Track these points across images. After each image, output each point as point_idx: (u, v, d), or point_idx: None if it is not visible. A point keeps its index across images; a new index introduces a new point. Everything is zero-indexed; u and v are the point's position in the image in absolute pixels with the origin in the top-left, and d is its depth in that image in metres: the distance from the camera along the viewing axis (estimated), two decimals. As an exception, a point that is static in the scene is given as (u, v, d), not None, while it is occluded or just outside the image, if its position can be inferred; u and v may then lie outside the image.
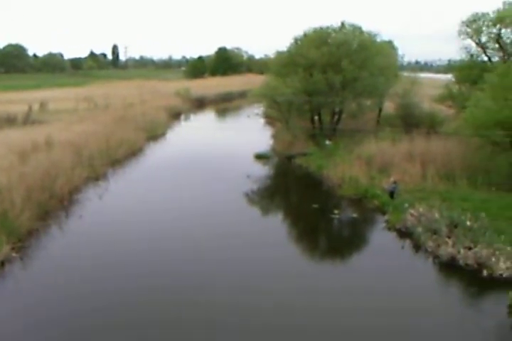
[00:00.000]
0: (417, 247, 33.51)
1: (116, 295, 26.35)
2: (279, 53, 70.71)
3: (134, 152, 61.90)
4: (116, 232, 35.34)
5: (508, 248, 30.42)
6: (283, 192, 50.96)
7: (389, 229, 37.28)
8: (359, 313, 25.09)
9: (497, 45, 63.01)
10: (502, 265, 29.02)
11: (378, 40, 70.94)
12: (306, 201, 45.83)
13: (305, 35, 67.69)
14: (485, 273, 29.02)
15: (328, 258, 33.92)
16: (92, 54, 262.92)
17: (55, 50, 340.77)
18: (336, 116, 67.62)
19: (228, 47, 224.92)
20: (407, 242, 34.64)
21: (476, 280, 28.85)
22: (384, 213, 40.01)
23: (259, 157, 61.28)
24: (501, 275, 28.66)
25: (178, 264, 30.35)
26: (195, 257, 31.30)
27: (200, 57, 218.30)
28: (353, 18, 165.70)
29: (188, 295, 26.42)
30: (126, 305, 25.29)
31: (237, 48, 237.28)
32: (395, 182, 42.39)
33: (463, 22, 63.77)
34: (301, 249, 35.31)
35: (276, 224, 38.87)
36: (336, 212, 40.60)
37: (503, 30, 62.14)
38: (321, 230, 39.52)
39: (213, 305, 25.36)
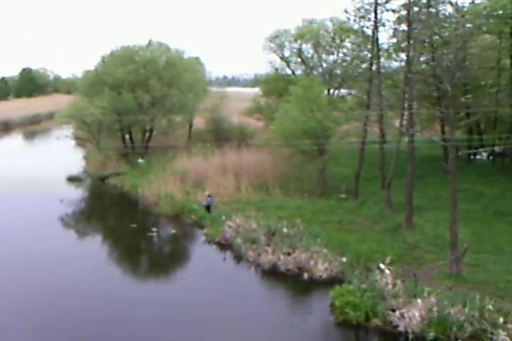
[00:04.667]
0: (239, 258, 33.62)
1: None
2: (87, 73, 68.90)
3: None
4: None
5: (325, 250, 31.45)
6: (99, 214, 49.04)
7: (209, 242, 37.14)
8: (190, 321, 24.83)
9: (299, 59, 66.42)
10: (320, 267, 29.90)
11: (185, 56, 71.59)
12: (123, 221, 44.63)
13: (112, 53, 66.58)
14: (306, 276, 29.83)
15: (151, 276, 32.88)
16: None
17: None
18: (147, 134, 67.00)
19: (33, 67, 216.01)
20: (229, 254, 34.66)
21: (299, 284, 29.50)
22: (202, 227, 39.81)
23: (72, 179, 58.83)
24: (321, 276, 29.53)
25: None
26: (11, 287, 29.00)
27: (2, 78, 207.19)
28: (160, 36, 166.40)
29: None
30: None
31: (43, 68, 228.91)
32: (210, 196, 42.59)
33: (267, 38, 66.70)
34: (123, 270, 33.85)
35: (95, 248, 37.05)
36: (154, 230, 39.83)
37: (303, 46, 65.77)
38: (141, 250, 38.43)
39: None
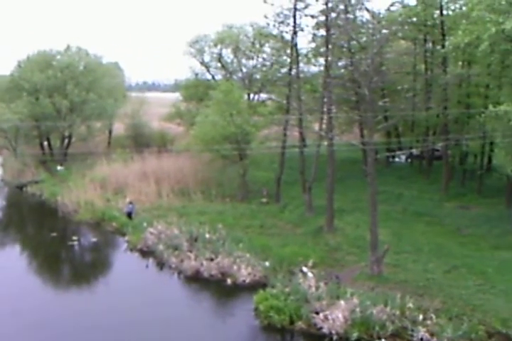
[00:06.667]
0: (162, 264, 33.20)
1: None
2: (2, 78, 66.88)
3: None
4: None
5: (247, 255, 31.43)
6: (18, 224, 47.17)
7: (131, 249, 36.53)
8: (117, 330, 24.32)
9: (219, 64, 66.50)
10: (243, 272, 29.86)
11: (104, 61, 70.62)
12: (43, 230, 43.33)
13: (28, 58, 64.95)
14: (229, 281, 29.69)
15: (73, 287, 31.74)
16: None
17: None
18: (66, 141, 65.57)
19: None
20: (151, 261, 34.13)
21: (222, 289, 29.35)
22: (124, 234, 39.15)
23: (-13, 189, 57.05)
24: (244, 281, 29.46)
25: None
26: None
27: None
28: (78, 41, 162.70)
29: None
30: None
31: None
32: (131, 203, 41.95)
33: (187, 42, 66.49)
34: (43, 281, 32.64)
35: (13, 259, 35.64)
36: (74, 238, 38.85)
37: (223, 50, 65.90)
38: (62, 259, 37.39)
39: None
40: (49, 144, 66.23)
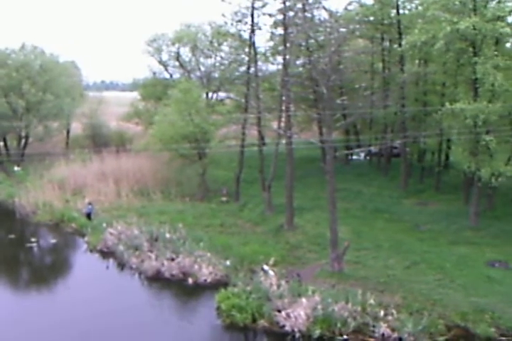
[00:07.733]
0: (122, 265, 32.87)
1: None
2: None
3: None
4: None
5: (208, 254, 31.38)
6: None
7: (91, 250, 36.07)
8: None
9: (177, 63, 66.26)
10: (205, 271, 29.81)
11: (61, 60, 69.72)
12: (0, 232, 42.60)
13: (-18, 56, 63.66)
14: (190, 281, 29.60)
15: (32, 290, 31.02)
16: None
17: None
18: (23, 141, 64.58)
19: None
20: (112, 261, 33.75)
21: (184, 289, 29.24)
22: (84, 235, 38.60)
23: None
24: (205, 280, 29.41)
25: None
26: None
27: None
28: (34, 40, 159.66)
29: None
30: None
31: None
32: (90, 203, 41.54)
33: (145, 41, 66.20)
34: (2, 283, 32.02)
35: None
36: (33, 240, 38.20)
37: (181, 49, 65.70)
38: (20, 261, 36.59)
39: None
40: (5, 144, 65.30)
